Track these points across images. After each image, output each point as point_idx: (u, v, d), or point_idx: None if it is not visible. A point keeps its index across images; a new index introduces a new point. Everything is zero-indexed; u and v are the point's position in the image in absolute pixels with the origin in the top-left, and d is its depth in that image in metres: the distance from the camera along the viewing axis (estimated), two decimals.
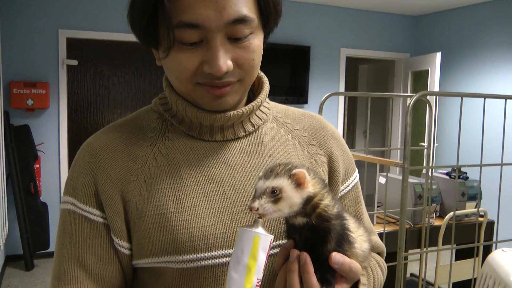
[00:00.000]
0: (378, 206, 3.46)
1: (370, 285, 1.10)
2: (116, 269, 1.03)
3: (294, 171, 0.89)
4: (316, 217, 0.91)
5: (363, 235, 1.00)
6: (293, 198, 0.88)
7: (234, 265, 0.86)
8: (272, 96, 6.50)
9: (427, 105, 3.91)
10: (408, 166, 2.42)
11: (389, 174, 3.38)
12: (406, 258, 3.20)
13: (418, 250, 3.26)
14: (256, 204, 0.86)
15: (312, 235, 0.92)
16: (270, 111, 1.17)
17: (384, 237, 3.06)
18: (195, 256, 0.97)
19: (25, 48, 5.79)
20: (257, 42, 0.98)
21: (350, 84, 9.07)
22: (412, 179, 3.43)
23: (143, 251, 1.01)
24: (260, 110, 1.13)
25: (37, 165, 5.84)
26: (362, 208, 1.23)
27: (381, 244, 1.24)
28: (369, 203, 3.33)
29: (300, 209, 0.89)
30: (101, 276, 1.01)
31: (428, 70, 6.78)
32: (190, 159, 1.05)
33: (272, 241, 0.88)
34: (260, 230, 0.86)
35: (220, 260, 1.00)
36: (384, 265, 1.22)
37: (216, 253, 1.00)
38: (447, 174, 3.67)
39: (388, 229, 3.24)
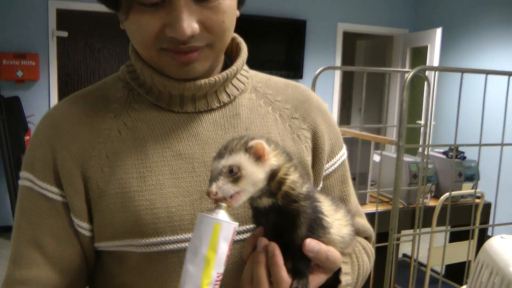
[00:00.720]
0: (371, 185, 3.39)
1: (354, 274, 1.01)
2: (76, 252, 0.95)
3: (251, 143, 0.79)
4: (283, 196, 0.81)
5: (342, 219, 0.91)
6: (255, 173, 0.78)
7: (191, 257, 0.77)
8: (269, 71, 6.37)
9: (425, 82, 3.80)
10: (404, 144, 2.32)
11: (384, 152, 3.29)
12: (398, 239, 3.12)
13: (411, 231, 3.18)
14: (213, 187, 0.76)
15: (280, 219, 0.83)
16: (249, 80, 1.07)
17: (377, 216, 2.98)
18: (159, 239, 0.90)
19: (14, 19, 5.70)
20: (227, 2, 0.88)
21: (347, 60, 8.94)
22: (407, 158, 3.35)
23: (104, 233, 0.93)
24: (237, 79, 1.04)
25: (27, 137, 5.78)
26: (349, 188, 1.13)
27: (368, 228, 1.14)
28: (363, 182, 3.25)
29: (265, 187, 0.80)
30: (59, 259, 0.94)
31: (427, 46, 6.65)
32: (157, 133, 0.96)
33: (236, 229, 0.78)
34: (221, 216, 0.76)
35: (187, 244, 0.90)
36: (371, 251, 1.13)
37: (182, 236, 0.91)
38: (444, 153, 3.59)
39: (381, 208, 3.16)
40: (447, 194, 3.05)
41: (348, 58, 8.84)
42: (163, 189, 0.91)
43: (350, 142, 3.06)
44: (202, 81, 0.95)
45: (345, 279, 0.95)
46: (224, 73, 0.98)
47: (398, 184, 2.38)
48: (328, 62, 7.09)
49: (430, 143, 3.61)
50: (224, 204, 0.77)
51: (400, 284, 3.33)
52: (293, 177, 0.82)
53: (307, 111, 1.09)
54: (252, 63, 1.13)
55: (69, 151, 0.93)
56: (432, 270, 3.68)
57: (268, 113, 1.05)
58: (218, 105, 1.00)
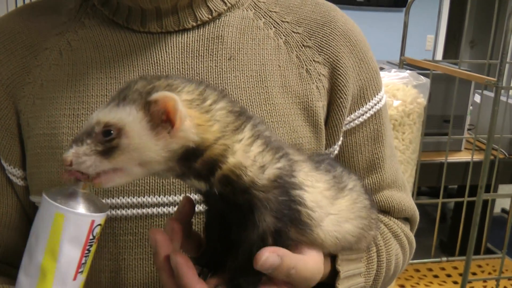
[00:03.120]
0: (468, 129, 2.94)
1: (371, 273, 0.74)
2: (10, 203, 0.78)
3: (155, 95, 0.50)
4: (222, 182, 0.54)
5: (346, 208, 0.62)
6: (146, 149, 0.51)
7: (25, 262, 0.53)
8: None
9: None
10: (502, 84, 1.90)
11: (485, 92, 2.82)
12: (496, 190, 2.69)
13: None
14: (69, 153, 0.50)
15: (227, 209, 0.55)
16: None
17: (471, 166, 2.56)
18: None
19: None
20: None
21: None
22: None
23: (32, 185, 0.75)
24: None
25: None
26: (385, 150, 0.82)
27: (409, 206, 0.84)
28: (459, 125, 2.82)
29: (176, 167, 0.53)
30: None
31: None
32: (105, 57, 0.73)
33: (96, 223, 0.52)
34: (69, 201, 0.51)
35: (128, 211, 0.69)
36: (409, 237, 0.83)
37: (121, 200, 0.69)
38: None
39: (478, 157, 2.72)
40: None
41: None
42: None
43: (447, 79, 2.64)
44: None
45: (349, 283, 0.67)
46: None
47: (492, 132, 1.98)
48: None
49: None
50: (81, 182, 0.51)
51: (493, 243, 2.93)
52: (239, 158, 0.53)
53: (326, 37, 0.78)
54: None
55: None
56: None
57: (267, 38, 0.77)
58: (194, 23, 0.75)
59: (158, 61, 0.74)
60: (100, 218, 0.54)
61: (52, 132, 0.72)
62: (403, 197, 0.85)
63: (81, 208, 0.53)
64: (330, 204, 0.61)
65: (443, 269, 2.54)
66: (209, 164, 0.53)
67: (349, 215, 0.63)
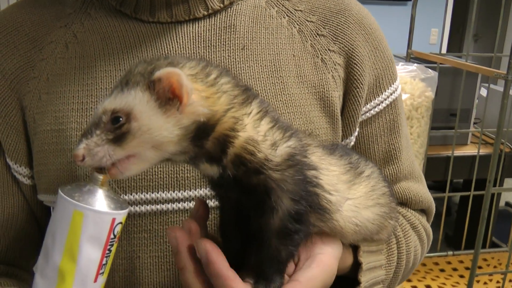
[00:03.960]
0: (475, 123, 2.92)
1: (391, 266, 0.73)
2: (16, 203, 0.76)
3: (158, 73, 0.49)
4: (235, 163, 0.52)
5: (365, 195, 0.60)
6: (158, 128, 0.49)
7: (42, 263, 0.51)
8: None
9: None
10: None
11: (492, 86, 2.80)
12: (501, 184, 2.67)
13: None
14: (80, 148, 0.48)
15: (241, 196, 0.54)
16: None
17: (477, 160, 2.55)
18: None
19: None
20: None
21: None
22: None
23: (40, 183, 0.73)
24: None
25: None
26: (401, 140, 0.80)
27: (426, 198, 0.82)
28: (465, 119, 2.80)
29: (192, 148, 0.51)
30: None
31: None
32: (113, 49, 0.70)
33: (117, 221, 0.50)
34: (87, 198, 0.49)
35: (142, 207, 0.67)
36: (427, 230, 0.81)
37: (134, 196, 0.67)
38: None
39: (485, 151, 2.70)
40: None
41: None
42: None
43: (454, 73, 2.62)
44: None
45: (371, 276, 0.66)
46: None
47: (501, 126, 1.96)
48: None
49: None
50: (100, 177, 0.49)
51: (498, 237, 2.92)
52: (250, 133, 0.52)
53: (341, 26, 0.76)
54: None
55: (2, 70, 0.72)
56: None
57: (281, 27, 0.75)
58: (205, 12, 0.73)
59: (169, 52, 0.72)
60: (121, 216, 0.52)
61: (60, 127, 0.70)
62: (420, 188, 0.83)
63: (101, 205, 0.50)
64: (347, 189, 0.60)
65: (449, 263, 2.53)
66: (220, 141, 0.52)
67: (367, 202, 0.62)
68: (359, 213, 0.60)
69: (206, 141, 0.51)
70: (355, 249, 0.67)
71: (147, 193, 0.68)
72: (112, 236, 0.51)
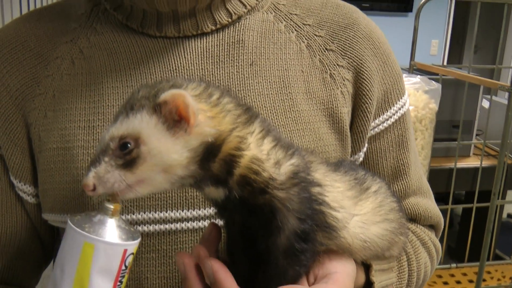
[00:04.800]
0: (477, 135, 2.92)
1: (403, 283, 0.71)
2: (20, 222, 0.74)
3: (164, 96, 0.48)
4: (240, 184, 0.51)
5: (372, 211, 0.59)
6: (167, 151, 0.48)
7: None
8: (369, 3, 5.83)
9: None
10: None
11: (495, 98, 2.79)
12: (504, 197, 2.66)
13: None
14: (89, 177, 0.47)
15: (247, 217, 0.53)
16: None
17: (480, 172, 2.53)
18: None
19: None
20: None
21: None
22: None
23: (45, 202, 0.71)
24: None
25: None
26: (410, 155, 0.79)
27: (435, 213, 0.81)
28: (467, 131, 2.79)
29: (199, 172, 0.50)
30: None
31: None
32: (120, 65, 0.69)
33: (129, 252, 0.49)
34: (98, 229, 0.47)
35: (150, 227, 0.65)
36: (436, 245, 0.80)
37: (142, 215, 0.65)
38: None
39: (487, 163, 2.69)
40: None
41: None
42: None
43: (456, 84, 2.62)
44: None
45: None
46: None
47: (505, 138, 1.95)
48: None
49: None
50: (111, 206, 0.48)
51: (501, 249, 2.90)
52: (254, 152, 0.51)
53: (349, 40, 0.75)
54: None
55: (7, 87, 0.71)
56: None
57: (289, 42, 0.74)
58: (213, 27, 0.72)
59: (177, 67, 0.71)
60: (132, 246, 0.51)
61: (66, 145, 0.68)
62: (429, 203, 0.82)
63: (112, 236, 0.49)
64: (353, 205, 0.59)
65: (452, 275, 2.50)
66: (227, 161, 0.51)
67: (375, 218, 0.61)
68: (367, 229, 0.59)
69: (213, 163, 0.51)
70: (366, 267, 0.66)
71: (155, 212, 0.67)
72: (123, 267, 0.50)
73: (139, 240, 0.52)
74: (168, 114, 0.49)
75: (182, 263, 0.54)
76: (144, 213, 0.67)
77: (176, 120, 0.49)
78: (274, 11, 0.76)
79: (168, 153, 0.48)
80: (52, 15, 0.77)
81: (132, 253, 0.51)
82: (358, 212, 0.59)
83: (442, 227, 0.87)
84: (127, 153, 0.48)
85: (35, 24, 0.76)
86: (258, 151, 0.52)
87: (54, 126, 0.69)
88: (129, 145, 0.48)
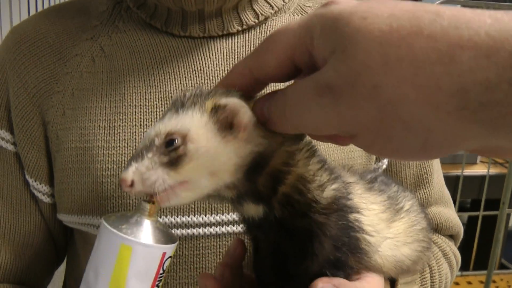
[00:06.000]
0: None
1: None
2: (34, 222, 0.72)
3: (224, 100, 0.45)
4: (283, 203, 0.48)
5: (404, 231, 0.58)
6: (216, 153, 0.45)
7: None
8: None
9: None
10: None
11: None
12: (511, 206, 2.64)
13: None
14: (129, 172, 0.44)
15: (282, 239, 0.50)
16: None
17: (487, 180, 2.51)
18: None
19: None
20: None
21: None
22: None
23: (61, 202, 0.70)
24: None
25: None
26: (433, 163, 0.78)
27: (456, 223, 0.80)
28: None
29: (244, 184, 0.47)
30: (10, 229, 0.71)
31: None
32: (143, 64, 0.68)
33: (167, 256, 0.47)
34: (137, 231, 0.45)
35: (174, 231, 0.66)
36: (456, 256, 0.79)
37: (164, 219, 0.65)
38: None
39: (494, 171, 2.67)
40: None
41: None
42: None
43: None
44: None
45: None
46: None
47: None
48: None
49: None
50: (148, 206, 0.46)
51: (507, 258, 2.88)
52: (302, 170, 0.48)
53: None
54: None
55: (25, 83, 0.69)
56: None
57: None
58: (240, 28, 0.71)
59: (202, 68, 0.69)
60: (171, 249, 0.48)
61: (85, 145, 0.66)
62: (450, 213, 0.81)
63: (151, 239, 0.46)
64: (387, 228, 0.57)
65: (457, 283, 2.49)
66: (273, 176, 0.48)
67: (406, 239, 0.59)
68: (398, 251, 0.57)
69: (259, 176, 0.48)
70: (391, 281, 0.64)
71: (177, 217, 0.65)
72: (161, 271, 0.47)
73: (177, 243, 0.50)
74: (222, 118, 0.46)
75: (204, 285, 0.52)
76: (166, 217, 0.65)
77: (227, 124, 0.46)
78: (300, 13, 0.75)
79: (217, 154, 0.45)
80: (72, 11, 0.76)
81: (170, 257, 0.49)
82: (390, 235, 0.57)
83: (462, 236, 0.85)
84: (172, 150, 0.44)
85: (54, 20, 0.74)
86: (305, 170, 0.49)
87: (73, 125, 0.68)
88: (175, 141, 0.45)
